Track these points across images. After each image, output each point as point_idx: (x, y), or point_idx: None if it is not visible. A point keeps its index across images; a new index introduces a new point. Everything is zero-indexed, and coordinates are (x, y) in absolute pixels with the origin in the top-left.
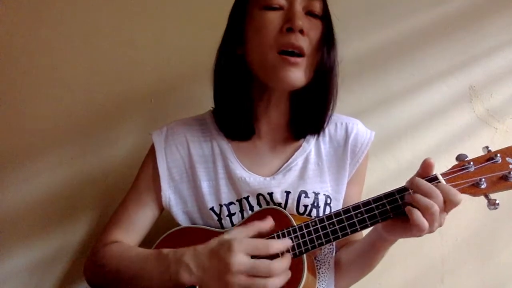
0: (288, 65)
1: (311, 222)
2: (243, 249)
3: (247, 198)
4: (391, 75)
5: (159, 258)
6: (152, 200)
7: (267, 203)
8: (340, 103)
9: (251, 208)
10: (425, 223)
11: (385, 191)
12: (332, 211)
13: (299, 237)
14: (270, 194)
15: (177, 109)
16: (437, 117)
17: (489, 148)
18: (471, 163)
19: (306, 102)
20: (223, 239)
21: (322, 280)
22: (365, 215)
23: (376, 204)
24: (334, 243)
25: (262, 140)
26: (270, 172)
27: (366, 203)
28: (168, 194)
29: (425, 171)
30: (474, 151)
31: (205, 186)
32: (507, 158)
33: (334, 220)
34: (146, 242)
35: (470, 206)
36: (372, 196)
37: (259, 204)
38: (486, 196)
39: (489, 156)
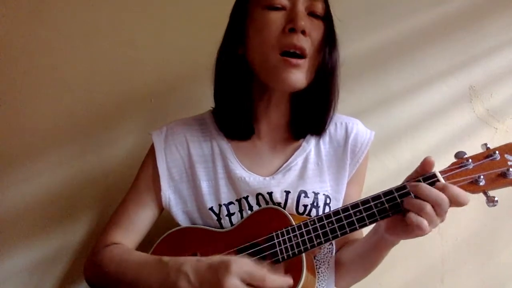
0: (290, 66)
1: (310, 222)
2: (238, 273)
3: (246, 198)
4: (391, 75)
5: (159, 265)
6: (152, 200)
7: (267, 203)
8: (340, 103)
9: (251, 208)
10: (424, 222)
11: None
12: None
13: (298, 236)
14: (270, 194)
15: (177, 109)
16: (437, 117)
17: (488, 145)
18: (470, 160)
19: (307, 103)
20: (225, 258)
21: (322, 279)
22: (364, 214)
23: (374, 203)
24: (333, 242)
25: (262, 140)
26: (269, 172)
27: (365, 201)
28: (168, 194)
29: (424, 169)
30: (474, 151)
31: (204, 186)
32: (505, 155)
33: (333, 219)
34: (146, 242)
35: (470, 206)
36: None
37: (258, 204)
38: (485, 193)
39: (488, 153)
